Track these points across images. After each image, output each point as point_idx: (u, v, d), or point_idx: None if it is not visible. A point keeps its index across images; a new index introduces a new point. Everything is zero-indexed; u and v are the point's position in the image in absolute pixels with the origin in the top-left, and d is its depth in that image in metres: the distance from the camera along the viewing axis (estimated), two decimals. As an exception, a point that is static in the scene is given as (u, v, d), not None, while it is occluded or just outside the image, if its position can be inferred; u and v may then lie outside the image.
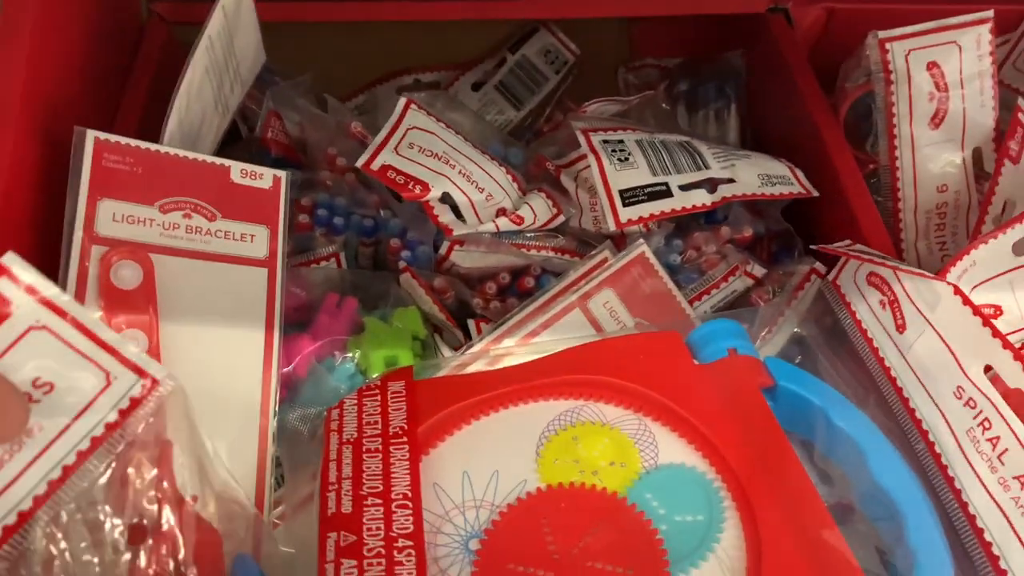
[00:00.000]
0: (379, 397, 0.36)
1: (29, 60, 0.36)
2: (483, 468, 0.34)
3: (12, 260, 0.29)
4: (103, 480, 0.30)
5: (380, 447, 0.34)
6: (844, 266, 0.39)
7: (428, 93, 0.45)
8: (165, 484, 0.31)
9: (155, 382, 0.31)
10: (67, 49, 0.40)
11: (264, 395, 0.36)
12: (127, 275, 0.34)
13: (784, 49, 0.48)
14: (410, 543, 0.30)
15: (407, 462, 0.33)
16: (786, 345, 0.41)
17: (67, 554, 0.29)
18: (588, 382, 0.37)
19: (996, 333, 0.32)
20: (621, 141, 0.43)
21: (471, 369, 0.40)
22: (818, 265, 0.42)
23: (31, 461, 0.28)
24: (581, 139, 0.43)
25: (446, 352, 0.43)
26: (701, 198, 0.41)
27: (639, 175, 0.41)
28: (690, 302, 0.43)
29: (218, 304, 0.36)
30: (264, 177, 0.38)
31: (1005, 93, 0.53)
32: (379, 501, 0.32)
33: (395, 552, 0.30)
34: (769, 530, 0.30)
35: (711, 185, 0.42)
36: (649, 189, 0.41)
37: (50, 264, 0.33)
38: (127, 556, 0.29)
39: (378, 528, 0.31)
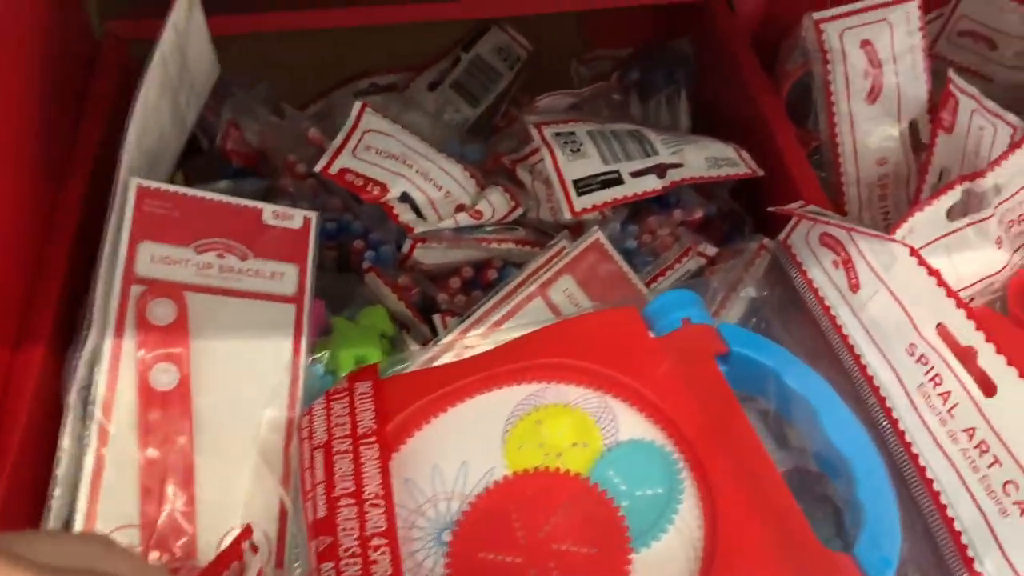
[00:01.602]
0: (347, 399, 0.37)
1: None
2: (452, 460, 0.35)
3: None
4: None
5: (350, 448, 0.35)
6: (795, 227, 0.41)
7: (383, 96, 0.47)
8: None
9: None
10: (16, 75, 0.41)
11: (289, 423, 0.38)
12: (162, 312, 0.37)
13: (726, 34, 0.50)
14: (384, 541, 0.31)
15: (377, 461, 0.34)
16: (744, 313, 0.43)
17: None
18: (549, 365, 0.38)
19: (950, 292, 0.34)
20: (572, 133, 0.44)
21: (439, 363, 0.41)
22: (767, 241, 0.43)
23: None
24: (534, 133, 0.44)
25: (414, 347, 0.44)
26: (652, 183, 0.43)
27: (591, 164, 0.43)
28: (646, 284, 0.44)
29: (248, 338, 0.38)
30: (295, 218, 0.41)
31: (940, 65, 0.55)
32: (352, 502, 0.33)
33: (370, 551, 0.31)
34: (724, 498, 0.32)
35: (661, 170, 0.43)
36: (602, 177, 0.43)
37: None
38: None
39: (352, 528, 0.32)
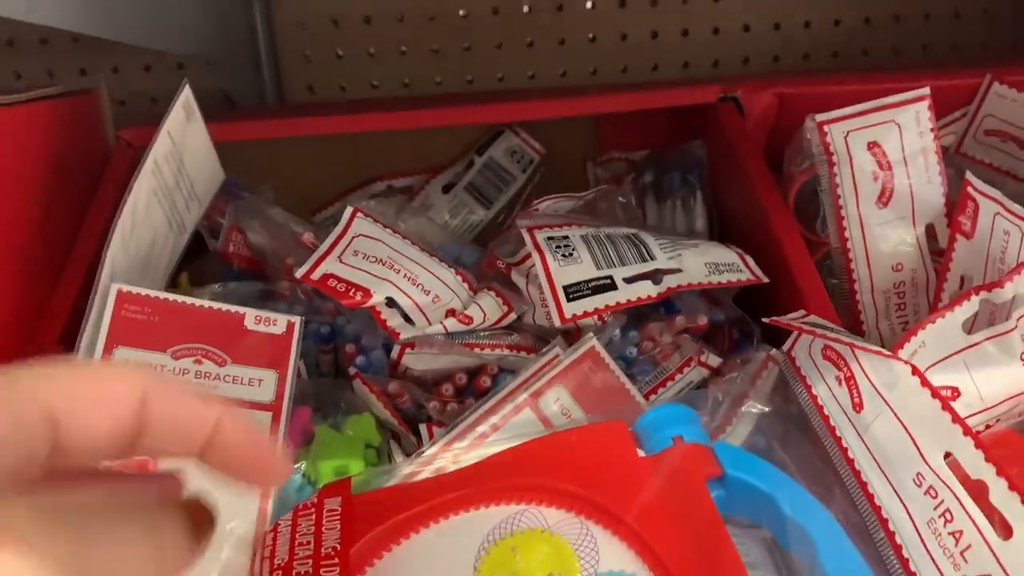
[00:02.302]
0: (314, 516, 0.35)
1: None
2: (420, 586, 0.33)
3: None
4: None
5: (311, 570, 0.33)
6: (798, 339, 0.38)
7: (379, 201, 0.46)
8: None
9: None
10: (27, 178, 0.42)
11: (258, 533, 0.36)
12: None
13: (734, 137, 0.49)
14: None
15: (337, 586, 0.32)
16: (751, 430, 0.40)
17: None
18: (530, 485, 0.35)
19: (956, 418, 0.30)
20: (566, 237, 0.43)
21: (420, 477, 0.39)
22: (774, 352, 0.41)
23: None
24: (526, 237, 0.43)
25: (399, 458, 0.42)
26: (646, 290, 0.41)
27: (583, 270, 0.41)
28: (646, 396, 0.42)
29: None
30: (278, 323, 0.40)
31: (968, 165, 0.53)
32: (309, 628, 0.31)
33: None
34: (705, 642, 0.28)
35: (657, 276, 0.42)
36: (593, 283, 0.41)
37: None
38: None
39: (307, 655, 0.30)
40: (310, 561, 0.33)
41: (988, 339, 0.35)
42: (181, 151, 0.43)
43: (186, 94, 0.41)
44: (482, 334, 0.45)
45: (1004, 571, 0.27)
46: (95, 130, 0.51)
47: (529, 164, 0.61)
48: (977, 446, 0.28)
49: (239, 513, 0.37)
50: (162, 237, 0.44)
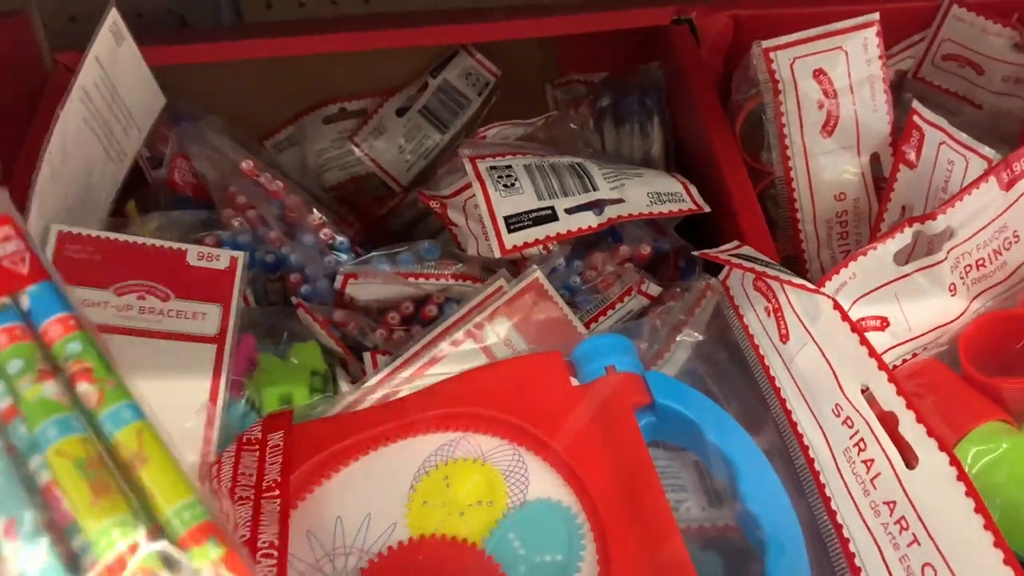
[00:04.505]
0: (257, 447, 0.36)
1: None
2: (356, 512, 0.34)
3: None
4: None
5: (251, 496, 0.34)
6: (732, 270, 0.38)
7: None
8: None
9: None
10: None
11: (203, 464, 0.37)
12: None
13: (686, 61, 0.48)
14: (273, 593, 0.30)
15: (276, 513, 0.33)
16: (687, 358, 0.40)
17: None
18: (466, 414, 0.36)
19: (872, 352, 0.31)
20: (508, 167, 0.42)
21: (362, 407, 0.40)
22: (713, 281, 0.41)
23: None
24: (467, 166, 0.42)
25: (344, 386, 0.42)
26: (587, 220, 0.41)
27: (524, 200, 0.41)
28: (587, 324, 0.42)
29: (165, 379, 0.38)
30: (221, 258, 0.40)
31: (926, 91, 0.52)
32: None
33: (258, 603, 0.30)
34: (621, 570, 0.30)
35: (599, 206, 0.41)
36: (534, 214, 0.41)
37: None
38: None
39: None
40: (252, 489, 0.34)
41: (918, 270, 0.36)
42: (113, 77, 0.42)
43: (112, 16, 0.40)
44: (428, 264, 0.45)
45: (908, 498, 0.28)
46: (29, 55, 0.49)
47: (485, 87, 0.60)
48: (890, 380, 0.29)
49: (187, 440, 0.37)
50: (100, 166, 0.43)
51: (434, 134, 0.60)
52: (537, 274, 0.41)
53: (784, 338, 0.34)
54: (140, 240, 0.39)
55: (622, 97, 0.57)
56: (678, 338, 0.40)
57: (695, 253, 0.37)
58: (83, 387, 0.27)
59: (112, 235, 0.39)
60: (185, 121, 0.52)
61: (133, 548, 0.23)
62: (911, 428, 0.28)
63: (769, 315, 0.35)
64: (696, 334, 0.40)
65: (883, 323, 0.36)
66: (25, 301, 0.28)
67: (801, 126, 0.41)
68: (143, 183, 0.51)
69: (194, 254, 0.40)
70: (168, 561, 0.23)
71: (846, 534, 0.31)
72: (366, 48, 0.55)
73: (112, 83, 0.42)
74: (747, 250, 0.36)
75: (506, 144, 0.47)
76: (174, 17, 0.72)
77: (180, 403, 0.38)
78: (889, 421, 0.29)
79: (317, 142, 0.60)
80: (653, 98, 0.56)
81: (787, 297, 0.34)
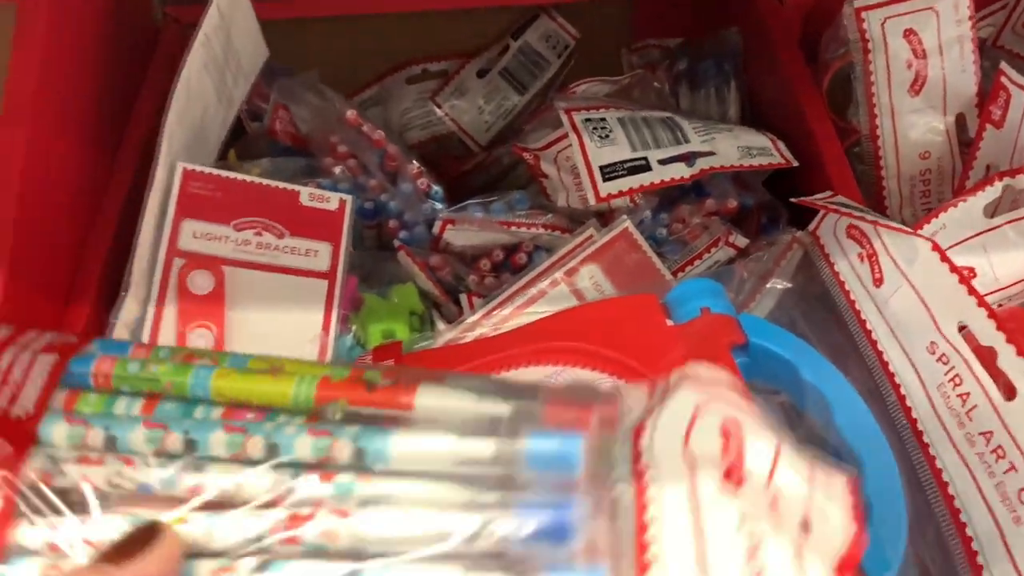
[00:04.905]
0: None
1: (42, 64, 0.39)
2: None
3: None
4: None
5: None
6: (824, 219, 0.40)
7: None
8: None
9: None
10: (80, 53, 0.43)
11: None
12: (201, 283, 0.40)
13: (769, 24, 0.49)
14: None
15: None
16: (773, 306, 0.42)
17: None
18: (565, 348, 0.38)
19: (972, 291, 0.32)
20: (603, 119, 0.44)
21: (465, 342, 0.42)
22: (799, 233, 0.43)
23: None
24: (564, 118, 0.44)
25: (441, 326, 0.45)
26: (680, 171, 0.43)
27: (619, 151, 0.43)
28: (674, 274, 0.44)
29: (280, 310, 0.40)
30: (331, 200, 0.43)
31: (1005, 57, 0.53)
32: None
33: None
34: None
35: (690, 158, 0.43)
36: (629, 164, 0.43)
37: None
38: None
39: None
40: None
41: (1008, 223, 0.37)
42: (229, 25, 0.44)
43: (235, -32, 0.42)
44: (519, 213, 0.47)
45: (1006, 427, 0.30)
46: (140, 6, 0.52)
47: (564, 49, 0.61)
48: (989, 316, 0.30)
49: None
50: (212, 110, 0.45)
51: (513, 95, 0.62)
52: (627, 223, 0.43)
53: (878, 282, 0.36)
54: (257, 180, 0.42)
55: (698, 61, 0.58)
56: (765, 287, 0.42)
57: (793, 201, 0.39)
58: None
59: (232, 174, 0.41)
60: (281, 76, 0.54)
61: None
62: (1011, 361, 0.29)
63: (863, 260, 0.36)
64: (783, 283, 0.42)
65: (971, 273, 0.37)
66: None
67: (889, 85, 0.43)
68: (242, 133, 0.54)
69: (306, 195, 0.42)
70: None
71: (939, 465, 0.32)
72: (454, 6, 0.57)
73: (228, 32, 0.44)
74: (841, 199, 0.37)
75: (597, 98, 0.49)
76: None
77: (296, 333, 0.40)
78: (987, 356, 0.31)
79: (401, 102, 0.62)
80: (730, 63, 0.58)
81: (883, 242, 0.35)
